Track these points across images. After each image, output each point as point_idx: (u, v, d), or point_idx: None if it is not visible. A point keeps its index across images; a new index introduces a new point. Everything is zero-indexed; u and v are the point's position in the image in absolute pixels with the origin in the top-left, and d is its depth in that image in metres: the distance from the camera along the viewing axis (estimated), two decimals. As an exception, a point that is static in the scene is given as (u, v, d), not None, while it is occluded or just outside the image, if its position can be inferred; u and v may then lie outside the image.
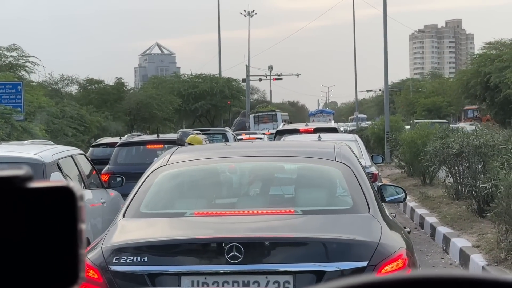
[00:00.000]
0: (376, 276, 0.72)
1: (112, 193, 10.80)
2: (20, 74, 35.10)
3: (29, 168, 0.99)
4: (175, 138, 13.93)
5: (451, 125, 27.98)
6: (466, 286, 0.69)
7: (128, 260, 4.52)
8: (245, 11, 72.41)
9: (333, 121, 31.52)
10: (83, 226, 0.96)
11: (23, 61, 36.62)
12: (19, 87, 27.31)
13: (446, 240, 11.15)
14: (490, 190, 10.36)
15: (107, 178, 11.79)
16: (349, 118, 70.05)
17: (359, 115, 74.76)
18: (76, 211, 0.96)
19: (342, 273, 4.37)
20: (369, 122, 54.01)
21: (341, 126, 47.72)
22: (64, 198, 0.96)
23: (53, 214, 0.95)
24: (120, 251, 4.58)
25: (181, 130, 14.72)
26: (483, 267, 8.92)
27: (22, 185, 0.95)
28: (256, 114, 52.89)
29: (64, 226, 0.96)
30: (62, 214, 0.96)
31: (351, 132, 33.34)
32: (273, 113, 53.64)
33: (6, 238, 0.95)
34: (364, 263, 4.41)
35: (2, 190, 0.95)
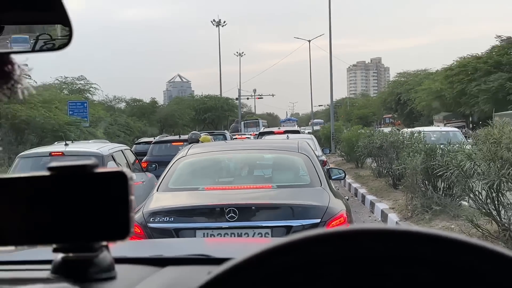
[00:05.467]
0: (330, 229, 0.72)
1: (149, 175, 10.75)
2: (86, 95, 34.89)
3: (95, 159, 0.99)
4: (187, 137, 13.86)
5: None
6: (386, 236, 0.69)
7: (160, 220, 4.47)
8: (237, 52, 72.41)
9: (296, 126, 31.37)
10: (132, 197, 0.96)
11: (88, 87, 36.47)
12: (85, 104, 27.16)
13: (372, 204, 11.18)
14: (400, 171, 10.41)
15: (145, 165, 11.73)
16: (309, 123, 69.80)
17: (318, 120, 74.51)
18: (128, 188, 0.96)
19: (303, 227, 4.30)
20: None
21: (307, 129, 47.31)
22: (120, 179, 0.95)
23: (113, 189, 0.95)
24: (155, 213, 4.53)
25: (192, 132, 14.58)
26: (396, 222, 8.95)
27: (92, 170, 0.95)
28: (245, 121, 52.75)
29: (120, 198, 0.95)
30: (119, 190, 0.95)
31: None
32: (257, 120, 53.58)
33: (82, 206, 0.95)
34: (318, 220, 4.37)
35: (79, 174, 0.95)
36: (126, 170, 0.95)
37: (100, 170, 0.95)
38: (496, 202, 6.56)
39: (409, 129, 16.53)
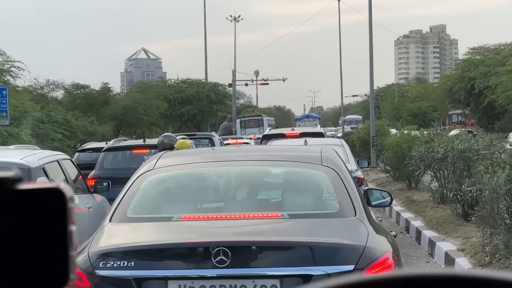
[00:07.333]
0: (365, 275, 0.72)
1: (99, 198, 10.73)
2: (5, 79, 34.87)
3: (19, 172, 0.98)
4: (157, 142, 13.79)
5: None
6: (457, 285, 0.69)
7: (114, 265, 4.47)
8: (231, 16, 72.62)
9: (319, 126, 31.05)
10: (73, 228, 0.96)
11: (9, 66, 36.40)
12: (4, 92, 27.17)
13: (432, 244, 11.16)
14: (474, 194, 10.38)
15: (93, 183, 11.71)
16: (339, 121, 69.69)
17: (353, 117, 74.67)
18: (67, 213, 0.95)
19: (328, 277, 4.28)
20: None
21: (338, 132, 46.92)
22: (55, 199, 0.95)
23: (43, 215, 0.95)
24: (106, 255, 4.54)
25: (164, 134, 14.54)
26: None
27: (12, 186, 0.95)
28: (243, 119, 52.69)
29: (55, 228, 0.95)
30: (52, 216, 0.95)
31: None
32: (259, 118, 53.47)
33: None
34: (351, 267, 4.38)
35: None
36: (63, 186, 0.95)
37: (25, 186, 0.95)
38: None
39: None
